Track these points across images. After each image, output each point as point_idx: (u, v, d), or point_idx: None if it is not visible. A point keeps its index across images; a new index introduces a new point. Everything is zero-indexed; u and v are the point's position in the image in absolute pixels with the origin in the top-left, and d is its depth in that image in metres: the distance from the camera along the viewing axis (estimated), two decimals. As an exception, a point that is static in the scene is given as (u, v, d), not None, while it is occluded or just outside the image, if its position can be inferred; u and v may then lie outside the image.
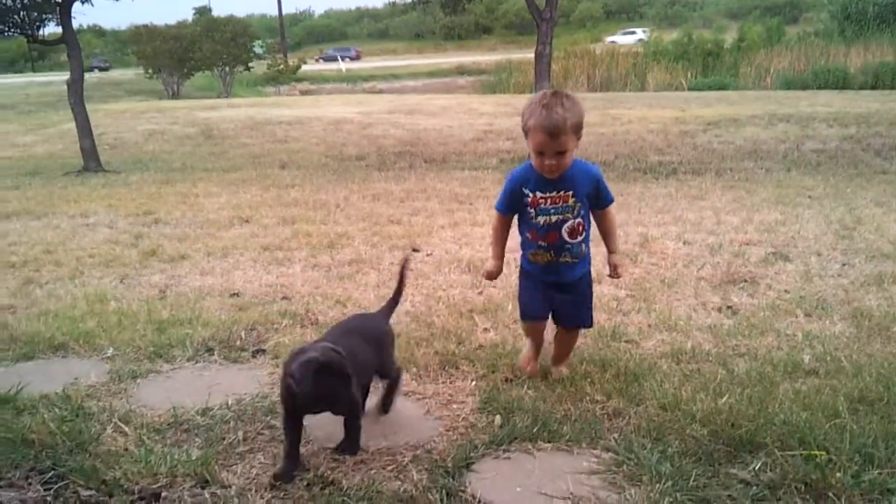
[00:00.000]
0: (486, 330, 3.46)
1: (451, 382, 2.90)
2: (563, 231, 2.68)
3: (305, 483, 2.15)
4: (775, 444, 2.30)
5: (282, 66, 36.17)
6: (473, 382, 2.88)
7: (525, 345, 3.01)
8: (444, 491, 2.11)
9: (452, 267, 4.55)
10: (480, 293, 4.00)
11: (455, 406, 2.70)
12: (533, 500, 2.10)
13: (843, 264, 4.54)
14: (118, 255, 5.07)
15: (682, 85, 26.80)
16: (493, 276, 2.86)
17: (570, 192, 2.65)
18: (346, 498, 2.09)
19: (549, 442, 2.37)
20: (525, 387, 2.79)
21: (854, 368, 2.91)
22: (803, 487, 2.09)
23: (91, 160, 10.09)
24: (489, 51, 53.25)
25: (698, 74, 28.07)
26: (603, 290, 3.90)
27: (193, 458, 2.29)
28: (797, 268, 4.47)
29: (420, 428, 2.54)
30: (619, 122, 13.51)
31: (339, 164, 10.22)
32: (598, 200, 2.73)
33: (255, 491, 2.14)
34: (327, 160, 10.70)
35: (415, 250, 5.05)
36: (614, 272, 2.86)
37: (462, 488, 2.13)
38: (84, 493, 2.11)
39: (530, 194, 2.67)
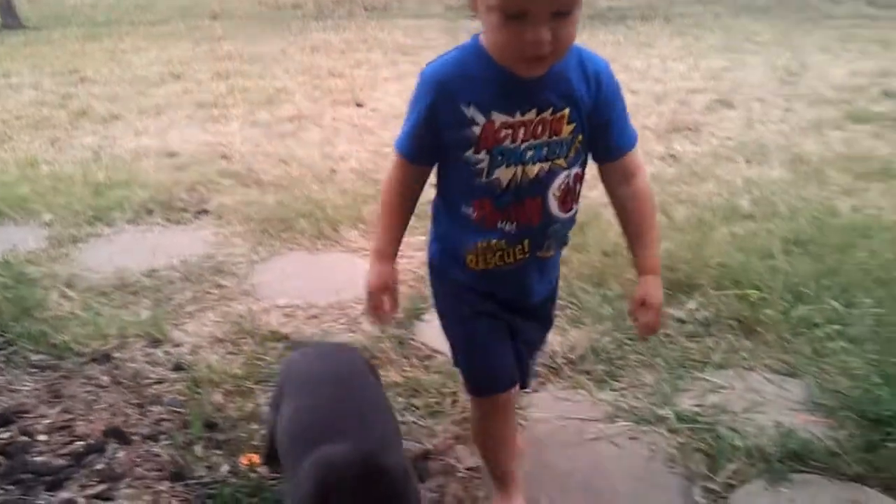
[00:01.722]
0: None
1: (399, 237, 2.91)
2: (549, 195, 1.30)
3: (258, 339, 2.19)
4: (710, 285, 2.41)
5: None
6: (422, 237, 2.88)
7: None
8: (395, 340, 2.17)
9: (398, 122, 4.43)
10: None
11: (404, 260, 2.71)
12: (481, 346, 2.17)
13: (786, 110, 4.59)
14: (46, 117, 4.82)
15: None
16: (379, 292, 1.38)
17: (565, 111, 1.25)
18: (299, 351, 2.13)
19: (497, 291, 2.42)
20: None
21: (789, 212, 3.01)
22: (736, 324, 2.20)
23: (9, 17, 9.57)
24: None
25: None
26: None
27: (143, 318, 2.29)
28: (740, 114, 4.51)
29: (370, 282, 2.57)
30: (567, -35, 12.96)
31: (273, 14, 9.68)
32: (606, 135, 1.32)
33: (209, 346, 2.17)
34: (261, 9, 10.12)
35: (358, 105, 4.91)
36: (644, 324, 1.44)
37: (412, 337, 2.20)
38: (34, 357, 2.10)
39: (481, 117, 1.23)
